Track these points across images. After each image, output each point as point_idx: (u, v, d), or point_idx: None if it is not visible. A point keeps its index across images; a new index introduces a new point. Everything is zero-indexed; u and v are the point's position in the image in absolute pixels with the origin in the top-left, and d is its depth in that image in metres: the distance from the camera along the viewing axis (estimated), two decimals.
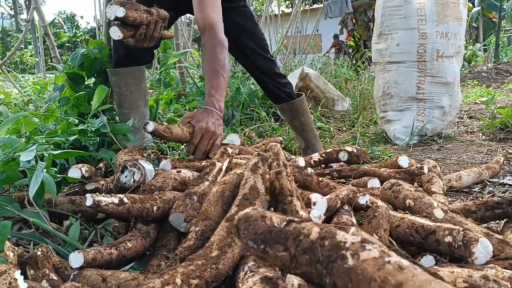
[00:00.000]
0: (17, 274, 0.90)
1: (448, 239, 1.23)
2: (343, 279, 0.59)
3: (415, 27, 3.28)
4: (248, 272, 0.97)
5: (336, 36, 13.94)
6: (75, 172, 1.65)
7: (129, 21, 1.80)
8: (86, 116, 2.19)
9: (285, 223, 0.67)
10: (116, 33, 1.81)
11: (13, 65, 16.89)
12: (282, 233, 0.66)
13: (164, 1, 2.12)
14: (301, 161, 2.10)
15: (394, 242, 1.29)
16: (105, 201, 1.22)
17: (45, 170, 1.35)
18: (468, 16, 4.48)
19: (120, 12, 1.73)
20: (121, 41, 2.08)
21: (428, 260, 1.27)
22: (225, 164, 1.54)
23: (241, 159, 1.78)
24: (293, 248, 0.64)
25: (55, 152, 1.53)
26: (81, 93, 2.35)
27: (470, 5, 13.23)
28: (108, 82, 2.46)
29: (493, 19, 14.19)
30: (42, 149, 1.50)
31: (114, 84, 2.37)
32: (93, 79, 2.51)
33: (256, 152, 1.29)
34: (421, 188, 1.79)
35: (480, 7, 14.12)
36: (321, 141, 3.23)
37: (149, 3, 1.96)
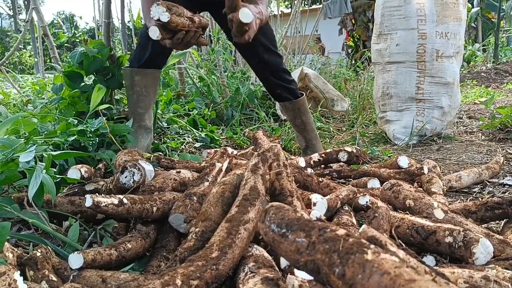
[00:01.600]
0: (17, 275, 0.90)
1: (449, 239, 1.22)
2: (355, 270, 0.60)
3: (415, 27, 3.27)
4: (249, 273, 0.96)
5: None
6: (75, 172, 1.65)
7: (170, 27, 1.79)
8: (83, 116, 2.19)
9: (315, 218, 0.74)
10: (155, 34, 1.78)
11: (12, 66, 16.86)
12: (309, 223, 0.71)
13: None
14: (301, 161, 2.10)
15: (396, 237, 1.29)
16: (104, 202, 1.22)
17: (44, 171, 1.35)
18: (467, 17, 4.48)
19: (165, 17, 1.71)
20: (151, 43, 2.09)
21: (428, 260, 1.27)
22: (225, 164, 1.53)
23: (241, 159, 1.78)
24: (315, 236, 0.68)
25: (54, 153, 1.52)
26: (76, 91, 2.34)
27: (469, 5, 13.23)
28: (107, 81, 2.46)
29: (492, 19, 14.20)
30: (41, 149, 1.49)
31: (135, 83, 2.36)
32: (91, 78, 2.50)
33: (257, 153, 1.29)
34: (421, 189, 1.79)
35: (479, 8, 14.13)
36: (321, 141, 3.23)
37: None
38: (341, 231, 0.66)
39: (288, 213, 0.74)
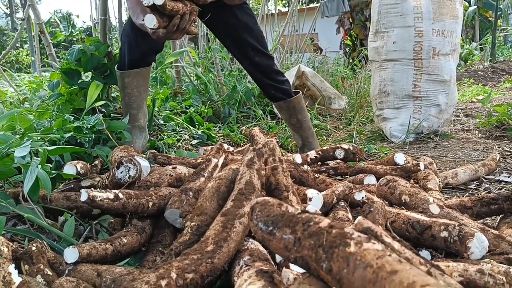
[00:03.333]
0: (11, 268, 0.90)
1: (444, 234, 1.23)
2: (340, 264, 0.59)
3: (412, 25, 3.28)
4: (244, 266, 0.96)
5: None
6: (70, 168, 1.64)
7: (167, 10, 1.75)
8: (80, 113, 2.19)
9: (299, 211, 0.70)
10: (152, 22, 1.75)
11: (9, 65, 16.81)
12: (293, 218, 0.69)
13: None
14: (297, 158, 2.10)
15: (391, 230, 1.29)
16: (100, 197, 1.22)
17: (39, 166, 1.35)
18: (464, 15, 4.49)
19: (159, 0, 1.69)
20: (139, 42, 2.08)
21: (423, 255, 1.27)
22: (221, 160, 1.53)
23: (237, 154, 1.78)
24: (300, 231, 0.67)
25: (49, 148, 1.52)
26: (74, 87, 2.34)
27: (466, 4, 13.26)
28: (105, 78, 2.45)
29: (490, 18, 14.22)
30: (36, 145, 1.49)
31: (126, 85, 2.36)
32: (89, 75, 2.50)
33: (252, 148, 1.29)
34: (417, 185, 1.79)
35: (476, 6, 14.16)
36: (318, 139, 3.23)
37: None
38: (324, 223, 0.66)
39: (273, 209, 0.73)
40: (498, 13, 12.33)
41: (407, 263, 0.57)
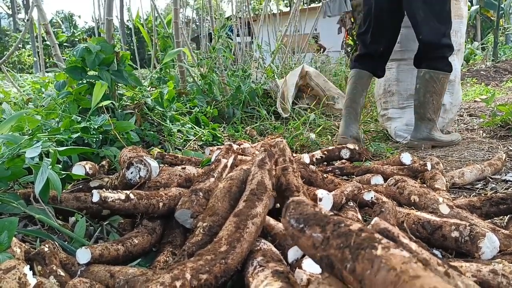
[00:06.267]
0: (26, 269, 0.90)
1: (455, 234, 1.23)
2: (364, 265, 0.60)
3: None
4: (258, 266, 0.97)
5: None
6: (80, 169, 1.65)
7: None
8: (87, 112, 2.18)
9: (332, 213, 0.72)
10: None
11: (11, 65, 16.84)
12: (325, 218, 0.71)
13: None
14: (305, 158, 2.10)
15: (407, 230, 1.29)
16: (111, 197, 1.22)
17: (50, 167, 1.35)
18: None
19: None
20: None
21: None
22: (230, 160, 1.53)
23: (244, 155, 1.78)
24: (329, 231, 0.68)
25: (60, 149, 1.52)
26: (83, 85, 2.33)
27: (469, 3, 13.24)
28: (113, 74, 2.44)
29: (491, 18, 14.21)
30: (46, 146, 1.49)
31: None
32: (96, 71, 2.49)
33: (263, 148, 1.29)
34: (425, 185, 1.79)
35: (478, 6, 14.15)
36: (322, 139, 3.23)
37: None
38: (355, 226, 0.67)
39: (307, 208, 0.75)
40: (500, 12, 12.32)
41: (431, 271, 0.58)
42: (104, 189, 1.25)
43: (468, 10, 12.66)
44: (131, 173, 1.43)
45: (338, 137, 3.03)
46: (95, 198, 1.19)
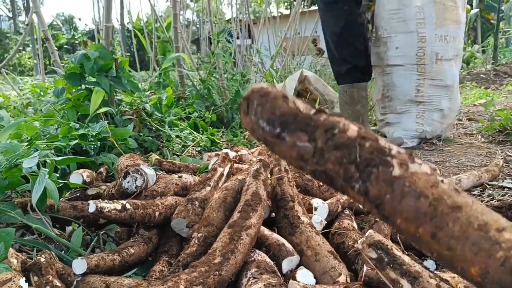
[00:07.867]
0: (22, 281, 0.91)
1: None
2: (381, 188, 0.49)
3: (414, 30, 3.28)
4: (251, 278, 0.97)
5: None
6: (77, 177, 1.66)
7: None
8: (85, 119, 2.19)
9: (313, 111, 0.54)
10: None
11: (12, 68, 16.87)
12: (310, 121, 0.53)
13: None
14: None
15: (401, 243, 1.29)
16: (107, 207, 1.23)
17: (47, 176, 1.36)
18: (466, 18, 4.50)
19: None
20: None
21: (429, 264, 1.28)
22: (226, 169, 1.54)
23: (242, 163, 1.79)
24: (321, 140, 0.52)
25: (57, 159, 1.53)
26: (81, 92, 2.34)
27: (469, 7, 13.26)
28: (112, 80, 2.45)
29: (492, 21, 14.22)
30: (44, 155, 1.50)
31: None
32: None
33: (258, 158, 1.30)
34: None
35: (478, 9, 14.16)
36: None
37: None
38: (352, 131, 0.52)
39: (279, 104, 0.53)
40: (500, 15, 12.33)
41: (464, 192, 0.50)
42: (100, 199, 1.25)
43: (468, 13, 12.69)
44: (128, 182, 1.44)
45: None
46: (92, 208, 1.20)
